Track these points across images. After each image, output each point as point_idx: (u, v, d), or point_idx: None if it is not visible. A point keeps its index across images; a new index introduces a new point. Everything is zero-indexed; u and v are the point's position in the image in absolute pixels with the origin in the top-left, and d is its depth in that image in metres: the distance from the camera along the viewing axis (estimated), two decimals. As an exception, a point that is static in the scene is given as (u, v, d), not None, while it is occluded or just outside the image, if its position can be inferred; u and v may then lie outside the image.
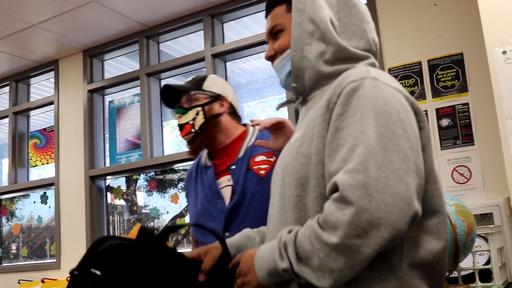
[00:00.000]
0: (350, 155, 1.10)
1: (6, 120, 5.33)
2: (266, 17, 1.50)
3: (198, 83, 2.16)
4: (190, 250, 4.01)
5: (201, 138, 2.10)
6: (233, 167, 2.05)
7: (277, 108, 1.54)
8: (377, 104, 1.13)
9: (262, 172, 2.00)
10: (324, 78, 1.33)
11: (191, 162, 4.06)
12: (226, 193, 2.05)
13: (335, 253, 1.05)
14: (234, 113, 2.20)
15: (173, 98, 2.17)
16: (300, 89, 1.39)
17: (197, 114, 2.09)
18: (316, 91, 1.36)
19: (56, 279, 4.31)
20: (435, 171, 1.23)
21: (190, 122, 2.09)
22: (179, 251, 1.45)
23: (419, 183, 1.13)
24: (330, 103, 1.20)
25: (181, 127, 2.12)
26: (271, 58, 1.47)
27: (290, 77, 1.42)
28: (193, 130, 2.09)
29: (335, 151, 1.14)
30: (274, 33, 1.45)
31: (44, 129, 5.12)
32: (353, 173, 1.06)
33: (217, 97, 2.14)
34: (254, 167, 2.01)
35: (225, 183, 2.07)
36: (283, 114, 3.67)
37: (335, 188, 1.10)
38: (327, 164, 1.15)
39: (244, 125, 2.22)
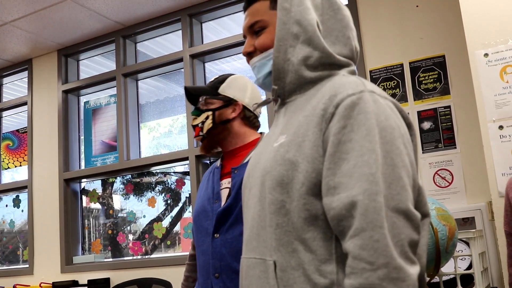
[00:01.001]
0: (356, 171, 1.10)
1: (-22, 121, 5.23)
2: (245, 10, 1.46)
3: (215, 85, 2.18)
4: (166, 255, 3.97)
5: (205, 143, 2.14)
6: (236, 171, 2.06)
7: (254, 109, 1.51)
8: (380, 120, 1.14)
9: None
10: (306, 83, 1.31)
11: (169, 165, 4.06)
12: (224, 195, 2.07)
13: None
14: (248, 118, 2.18)
15: (195, 97, 2.21)
16: (279, 91, 1.36)
17: (207, 118, 2.12)
18: (297, 94, 1.33)
19: (29, 285, 4.26)
20: (420, 182, 1.25)
21: (199, 125, 2.13)
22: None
23: (414, 196, 1.17)
24: (327, 113, 1.19)
25: (193, 128, 2.17)
26: (249, 54, 1.44)
27: (268, 78, 1.39)
28: (201, 133, 2.13)
29: (336, 164, 1.13)
30: (254, 29, 1.41)
31: (17, 130, 5.04)
32: (359, 236, 1.06)
33: (229, 102, 2.13)
34: None
35: (225, 185, 2.09)
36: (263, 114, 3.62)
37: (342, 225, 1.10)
38: (326, 176, 1.14)
39: (261, 133, 2.23)
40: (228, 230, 1.96)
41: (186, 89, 2.20)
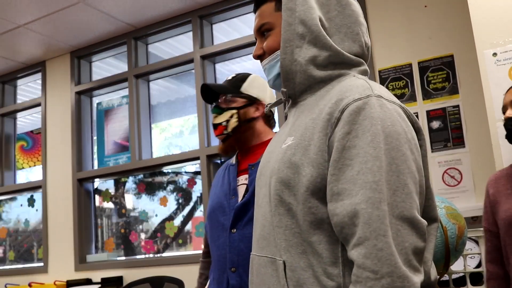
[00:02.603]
0: (360, 178, 1.09)
1: (-7, 122, 5.28)
2: (254, 12, 1.45)
3: (236, 84, 2.18)
4: (178, 253, 4.00)
5: (231, 141, 2.14)
6: (253, 167, 2.07)
7: (268, 109, 1.52)
8: (386, 125, 1.12)
9: None
10: (316, 82, 1.30)
11: (180, 165, 4.09)
12: (241, 191, 2.08)
13: None
14: (268, 118, 2.21)
15: (212, 95, 2.20)
16: (290, 92, 1.35)
17: (231, 116, 2.12)
18: (307, 94, 1.32)
19: (44, 283, 4.29)
20: (430, 187, 1.23)
21: (224, 124, 2.12)
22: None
23: (421, 202, 1.15)
24: (332, 118, 1.17)
25: (215, 126, 2.16)
26: (259, 57, 1.43)
27: (279, 79, 1.38)
28: (225, 131, 2.12)
29: (340, 170, 1.12)
30: (262, 31, 1.41)
31: (31, 131, 5.08)
32: (363, 245, 1.06)
33: (253, 101, 2.15)
34: None
35: (242, 182, 2.11)
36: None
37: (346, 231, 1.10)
38: (330, 182, 1.13)
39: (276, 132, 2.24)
40: (246, 226, 1.97)
41: (206, 86, 2.17)
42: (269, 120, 2.21)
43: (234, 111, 2.13)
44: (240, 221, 2.01)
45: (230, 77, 2.22)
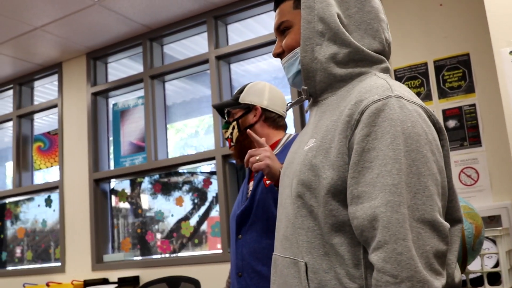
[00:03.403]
0: (379, 181, 1.08)
1: (10, 123, 5.34)
2: (274, 10, 1.45)
3: (236, 96, 2.27)
4: (194, 253, 4.01)
5: (236, 151, 2.22)
6: (256, 173, 2.12)
7: (287, 109, 1.52)
8: (405, 127, 1.10)
9: (267, 182, 2.06)
10: (337, 81, 1.29)
11: (196, 165, 4.10)
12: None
13: None
14: (272, 119, 2.24)
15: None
16: (310, 90, 1.35)
17: (233, 128, 2.21)
18: (328, 93, 1.32)
19: (61, 283, 4.32)
20: (453, 188, 1.22)
21: (229, 137, 2.23)
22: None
23: (443, 204, 1.15)
24: (352, 120, 1.16)
25: (226, 140, 2.28)
26: (278, 55, 1.43)
27: (298, 77, 1.38)
28: (232, 144, 2.23)
29: (360, 173, 1.11)
30: (281, 29, 1.41)
31: (48, 132, 5.13)
32: (382, 249, 1.05)
33: (249, 108, 2.22)
34: (265, 177, 2.05)
35: (250, 188, 2.17)
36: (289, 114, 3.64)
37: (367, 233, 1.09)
38: (350, 185, 1.13)
39: (287, 133, 2.28)
40: (248, 231, 2.05)
41: (213, 106, 2.30)
42: (273, 121, 2.23)
43: (235, 122, 2.21)
44: (243, 227, 2.08)
45: (236, 91, 2.33)
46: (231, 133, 2.21)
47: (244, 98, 2.23)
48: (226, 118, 2.26)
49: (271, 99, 2.24)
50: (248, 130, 1.87)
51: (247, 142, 2.17)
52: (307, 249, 1.20)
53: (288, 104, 1.53)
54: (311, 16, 1.30)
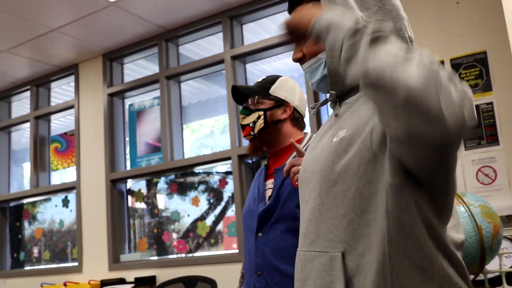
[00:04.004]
0: None
1: (28, 124, 5.39)
2: (289, 13, 1.44)
3: (265, 85, 2.20)
4: (210, 253, 4.02)
5: (257, 142, 2.17)
6: (278, 172, 2.09)
7: (313, 113, 1.50)
8: None
9: (297, 182, 2.02)
10: None
11: (212, 165, 4.11)
12: (267, 195, 2.11)
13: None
14: (297, 119, 2.22)
15: (242, 96, 2.23)
16: (338, 94, 1.35)
17: (258, 118, 2.15)
18: (355, 92, 1.31)
19: (78, 283, 4.35)
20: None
21: (251, 125, 2.16)
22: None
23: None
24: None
25: (243, 127, 2.19)
26: (298, 60, 1.42)
27: (323, 82, 1.38)
28: (252, 133, 2.16)
29: None
30: None
31: (65, 133, 5.16)
32: None
33: (281, 103, 2.17)
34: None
35: (269, 186, 2.14)
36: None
37: None
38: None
39: (305, 133, 2.25)
40: (270, 230, 2.01)
41: (235, 87, 2.21)
42: (297, 121, 2.22)
43: (261, 112, 2.15)
44: (264, 225, 2.04)
45: (260, 79, 2.24)
46: (254, 122, 2.15)
47: (276, 91, 2.18)
48: (247, 104, 2.19)
49: (301, 100, 2.23)
50: (292, 140, 1.82)
51: (273, 136, 2.15)
52: (343, 238, 1.20)
53: (312, 107, 1.51)
54: None
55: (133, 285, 4.05)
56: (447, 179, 1.14)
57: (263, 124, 2.14)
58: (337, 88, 1.33)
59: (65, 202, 5.10)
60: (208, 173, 4.32)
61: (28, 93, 5.41)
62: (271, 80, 2.22)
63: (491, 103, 3.03)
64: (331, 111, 1.42)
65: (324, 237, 1.23)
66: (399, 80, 0.95)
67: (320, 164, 1.28)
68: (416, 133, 0.98)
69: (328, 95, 1.39)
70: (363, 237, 1.17)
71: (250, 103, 2.18)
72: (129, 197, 4.69)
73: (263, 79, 2.23)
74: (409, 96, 0.94)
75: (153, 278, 4.09)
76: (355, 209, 1.19)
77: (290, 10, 1.43)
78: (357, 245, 1.17)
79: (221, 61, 4.16)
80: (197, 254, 4.24)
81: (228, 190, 4.16)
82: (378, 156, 1.17)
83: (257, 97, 2.17)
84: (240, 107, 2.32)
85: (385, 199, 1.15)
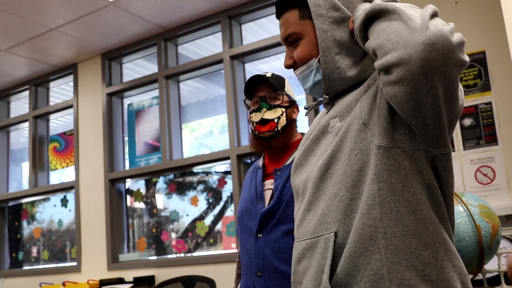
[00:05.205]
0: None
1: (26, 124, 5.39)
2: (277, 18, 1.43)
3: (281, 83, 2.17)
4: (209, 253, 4.01)
5: (278, 140, 2.13)
6: (278, 173, 2.09)
7: (306, 114, 1.50)
8: None
9: None
10: (357, 83, 1.32)
11: (210, 165, 4.11)
12: (267, 196, 2.11)
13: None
14: (296, 121, 2.25)
15: (252, 89, 2.18)
16: (331, 97, 1.37)
17: (282, 114, 2.13)
18: (347, 93, 1.33)
19: (77, 282, 4.34)
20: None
21: (275, 120, 2.12)
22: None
23: None
24: (369, 83, 1.27)
25: (265, 122, 2.12)
26: (290, 66, 1.42)
27: (316, 87, 1.38)
28: (276, 129, 2.11)
29: None
30: (290, 41, 1.39)
31: (64, 132, 5.16)
32: None
33: (293, 103, 2.19)
34: None
35: (268, 186, 2.13)
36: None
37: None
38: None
39: (302, 133, 2.25)
40: (271, 231, 2.00)
41: (262, 77, 2.15)
42: (295, 122, 2.24)
43: (284, 109, 2.13)
44: (265, 226, 2.03)
45: (270, 74, 2.18)
46: (279, 118, 2.12)
47: (288, 90, 2.18)
48: (267, 98, 2.14)
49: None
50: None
51: (289, 135, 2.14)
52: (338, 219, 1.20)
53: (305, 107, 1.51)
54: (325, 25, 1.29)
55: (132, 284, 4.05)
56: (438, 122, 1.12)
57: (285, 122, 2.12)
58: (331, 93, 1.35)
59: (64, 202, 5.09)
60: (207, 173, 4.32)
61: (27, 93, 5.40)
62: (282, 78, 2.20)
63: (490, 103, 3.03)
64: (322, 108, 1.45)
65: (319, 221, 1.24)
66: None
67: (317, 155, 1.32)
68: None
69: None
70: (356, 210, 1.18)
71: (268, 97, 2.14)
72: (128, 197, 4.68)
73: (273, 75, 2.19)
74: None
75: (152, 278, 4.09)
76: (346, 184, 1.20)
77: (278, 16, 1.43)
78: (349, 221, 1.18)
79: (220, 61, 4.16)
80: (196, 253, 4.23)
81: (227, 190, 4.16)
82: (369, 124, 1.19)
83: (280, 92, 2.14)
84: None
85: (374, 163, 1.16)
